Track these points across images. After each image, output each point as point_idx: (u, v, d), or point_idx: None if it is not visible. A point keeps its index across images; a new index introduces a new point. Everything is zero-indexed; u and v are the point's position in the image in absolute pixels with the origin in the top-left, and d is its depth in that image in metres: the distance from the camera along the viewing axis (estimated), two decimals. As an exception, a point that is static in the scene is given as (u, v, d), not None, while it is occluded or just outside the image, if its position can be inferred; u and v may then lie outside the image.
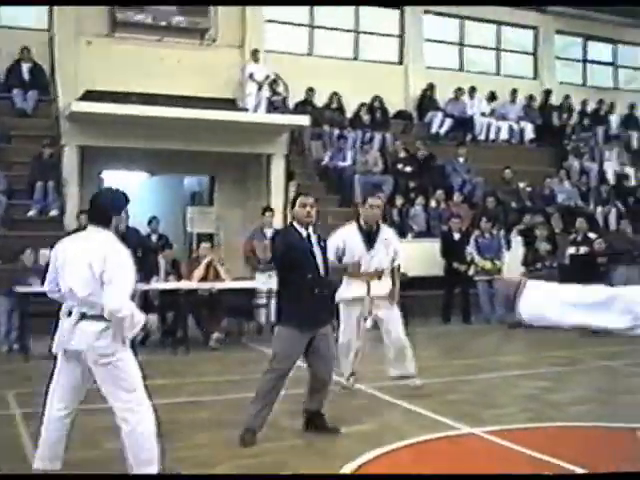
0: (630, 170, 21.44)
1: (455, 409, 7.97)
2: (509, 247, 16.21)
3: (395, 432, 7.13)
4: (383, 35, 21.20)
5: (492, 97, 21.40)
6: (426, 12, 21.34)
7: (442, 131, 20.45)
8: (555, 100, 22.47)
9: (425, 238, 16.64)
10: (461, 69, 22.27)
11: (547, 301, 13.80)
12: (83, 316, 5.27)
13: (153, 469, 5.33)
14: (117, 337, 5.21)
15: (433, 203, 17.52)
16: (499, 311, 15.40)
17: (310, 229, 7.00)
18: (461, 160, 19.15)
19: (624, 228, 14.84)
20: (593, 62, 24.60)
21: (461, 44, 22.31)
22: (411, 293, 14.74)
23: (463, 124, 20.71)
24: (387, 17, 21.15)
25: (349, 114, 19.44)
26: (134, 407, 5.31)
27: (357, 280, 8.48)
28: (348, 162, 18.15)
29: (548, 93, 22.40)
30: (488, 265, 15.55)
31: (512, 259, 15.71)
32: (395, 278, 8.73)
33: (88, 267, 5.19)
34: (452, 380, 9.79)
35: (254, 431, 6.74)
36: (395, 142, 19.03)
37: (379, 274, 8.52)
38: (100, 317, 5.18)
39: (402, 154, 18.64)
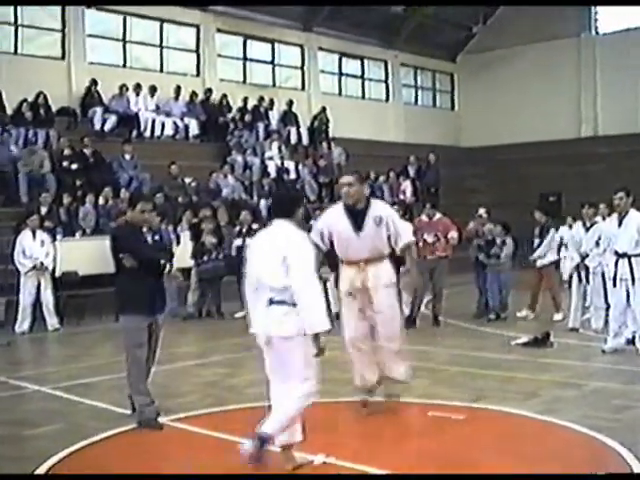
0: (290, 164, 22.64)
1: (139, 402, 8.14)
2: (178, 242, 16.47)
3: (83, 429, 7.17)
4: (45, 29, 20.72)
5: (155, 93, 21.60)
6: (88, 7, 21.07)
7: (107, 128, 20.36)
8: (217, 97, 23.13)
9: (95, 236, 16.49)
10: (125, 65, 22.28)
11: None
12: (271, 302, 5.67)
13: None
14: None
15: (101, 200, 17.38)
16: (172, 304, 15.67)
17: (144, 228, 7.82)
18: (127, 157, 19.18)
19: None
20: (253, 60, 25.65)
21: (124, 40, 22.31)
22: (84, 292, 14.73)
23: (128, 120, 20.75)
24: (49, 11, 20.66)
25: (10, 111, 18.72)
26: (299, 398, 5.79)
27: (351, 268, 7.44)
28: (11, 160, 17.51)
29: (210, 90, 23.03)
30: (159, 260, 15.76)
31: (181, 253, 16.01)
32: (407, 262, 7.86)
33: (275, 256, 5.64)
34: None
35: (155, 418, 7.33)
36: (60, 139, 18.65)
37: (376, 259, 7.43)
38: (284, 302, 5.62)
39: (67, 151, 18.31)
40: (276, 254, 5.66)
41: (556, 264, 14.71)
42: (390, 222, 7.45)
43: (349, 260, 7.44)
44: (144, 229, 7.85)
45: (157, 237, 8.04)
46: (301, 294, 5.58)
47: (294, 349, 5.69)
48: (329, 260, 7.77)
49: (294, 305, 5.61)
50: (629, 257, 10.34)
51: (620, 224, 10.53)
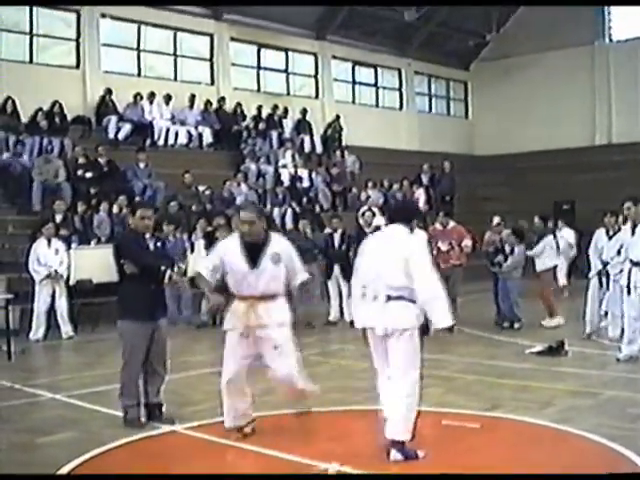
0: (304, 172, 22.65)
1: (154, 409, 8.14)
2: (192, 250, 16.50)
3: (97, 437, 7.18)
4: (60, 38, 20.83)
5: (170, 102, 21.67)
6: (103, 16, 21.21)
7: (121, 136, 20.43)
8: (231, 105, 23.18)
9: (110, 244, 16.45)
10: (139, 74, 22.37)
11: None
12: (389, 298, 6.21)
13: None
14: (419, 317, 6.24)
15: (116, 209, 17.42)
16: (186, 312, 15.72)
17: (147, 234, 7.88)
18: (142, 165, 19.25)
19: (304, 227, 15.64)
20: (266, 69, 25.72)
21: (139, 49, 22.40)
22: (98, 300, 14.75)
23: (142, 129, 20.83)
24: (64, 20, 20.78)
25: (25, 119, 18.82)
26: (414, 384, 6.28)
27: (243, 304, 6.99)
28: (26, 169, 17.58)
29: (223, 99, 23.08)
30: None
31: (196, 261, 16.03)
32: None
33: (395, 257, 6.25)
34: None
35: (138, 418, 7.59)
36: (75, 148, 18.73)
37: (268, 297, 7.02)
38: (403, 298, 6.21)
39: (82, 160, 18.39)
40: (396, 255, 6.25)
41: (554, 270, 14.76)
42: (287, 259, 7.07)
43: (241, 296, 7.00)
44: (147, 235, 7.89)
45: (159, 244, 8.09)
46: (426, 293, 6.16)
47: (409, 340, 6.23)
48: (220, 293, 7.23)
49: (412, 301, 6.21)
50: None
51: (633, 233, 10.52)
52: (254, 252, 6.92)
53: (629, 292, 10.52)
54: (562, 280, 18.34)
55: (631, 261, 10.49)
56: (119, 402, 7.71)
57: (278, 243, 7.07)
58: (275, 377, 7.16)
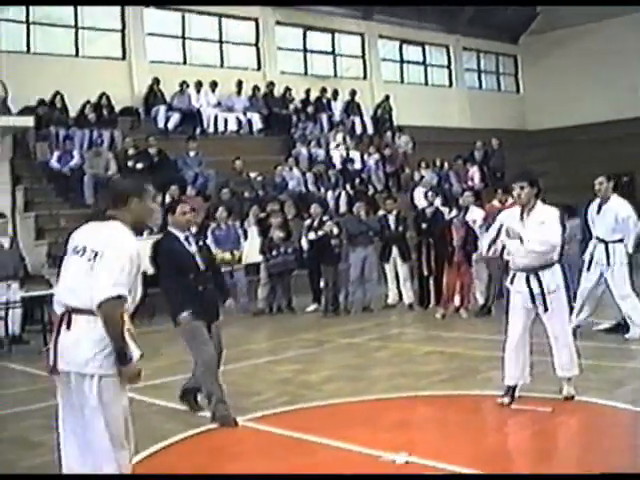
0: (355, 154, 22.39)
1: (214, 401, 7.96)
2: (246, 237, 16.37)
3: (158, 432, 7.04)
4: (105, 30, 20.82)
5: (216, 89, 21.56)
6: (147, 5, 21.14)
7: (170, 126, 20.37)
8: (279, 90, 23.00)
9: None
10: (185, 62, 22.26)
11: None
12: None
13: None
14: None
15: (168, 198, 17.33)
16: (242, 300, 15.57)
17: (187, 232, 7.46)
18: (192, 154, 19.18)
19: (358, 210, 15.35)
20: (313, 52, 25.48)
21: (184, 37, 22.30)
22: (153, 291, 14.64)
23: (191, 117, 20.75)
24: (108, 12, 20.73)
25: (73, 113, 18.83)
26: None
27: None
28: (76, 163, 17.58)
29: (272, 84, 22.91)
30: (227, 256, 15.63)
31: (250, 248, 15.92)
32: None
33: None
34: (206, 373, 9.80)
35: (224, 401, 7.28)
36: (124, 139, 18.70)
37: None
38: None
39: (132, 151, 18.36)
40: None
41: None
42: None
43: None
44: (189, 233, 7.60)
45: (201, 242, 7.84)
46: None
47: None
48: None
49: None
50: (606, 243, 10.40)
51: (599, 209, 10.55)
52: None
53: (589, 268, 10.63)
54: None
55: (597, 238, 10.54)
56: (205, 405, 7.55)
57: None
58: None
